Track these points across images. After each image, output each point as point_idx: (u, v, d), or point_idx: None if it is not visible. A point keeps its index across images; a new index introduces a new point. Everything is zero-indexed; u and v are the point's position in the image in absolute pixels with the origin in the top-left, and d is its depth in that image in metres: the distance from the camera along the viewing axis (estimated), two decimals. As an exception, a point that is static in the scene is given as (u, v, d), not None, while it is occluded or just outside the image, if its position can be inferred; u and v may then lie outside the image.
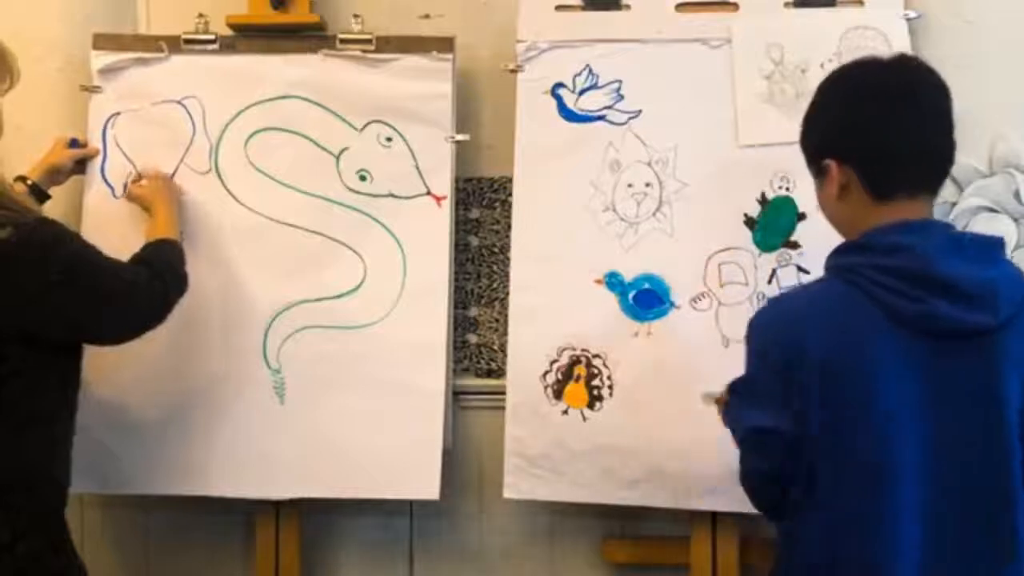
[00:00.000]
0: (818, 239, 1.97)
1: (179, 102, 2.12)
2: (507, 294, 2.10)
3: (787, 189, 2.00)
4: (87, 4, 2.22)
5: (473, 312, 2.22)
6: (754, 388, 1.44)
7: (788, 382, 1.37)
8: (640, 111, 2.06)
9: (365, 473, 2.04)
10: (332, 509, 2.19)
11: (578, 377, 2.03)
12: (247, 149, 2.11)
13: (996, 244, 1.39)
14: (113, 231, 2.07)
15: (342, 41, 2.11)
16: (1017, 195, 2.02)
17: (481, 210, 2.22)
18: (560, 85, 2.08)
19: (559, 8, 2.10)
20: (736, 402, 1.50)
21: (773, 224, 2.01)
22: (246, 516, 2.17)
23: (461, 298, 2.20)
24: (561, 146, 2.07)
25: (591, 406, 2.02)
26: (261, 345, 2.07)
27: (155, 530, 2.26)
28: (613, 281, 2.04)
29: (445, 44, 2.10)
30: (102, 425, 2.01)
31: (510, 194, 2.10)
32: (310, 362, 2.06)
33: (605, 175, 2.06)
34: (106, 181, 2.10)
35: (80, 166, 2.09)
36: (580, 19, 2.09)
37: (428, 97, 2.09)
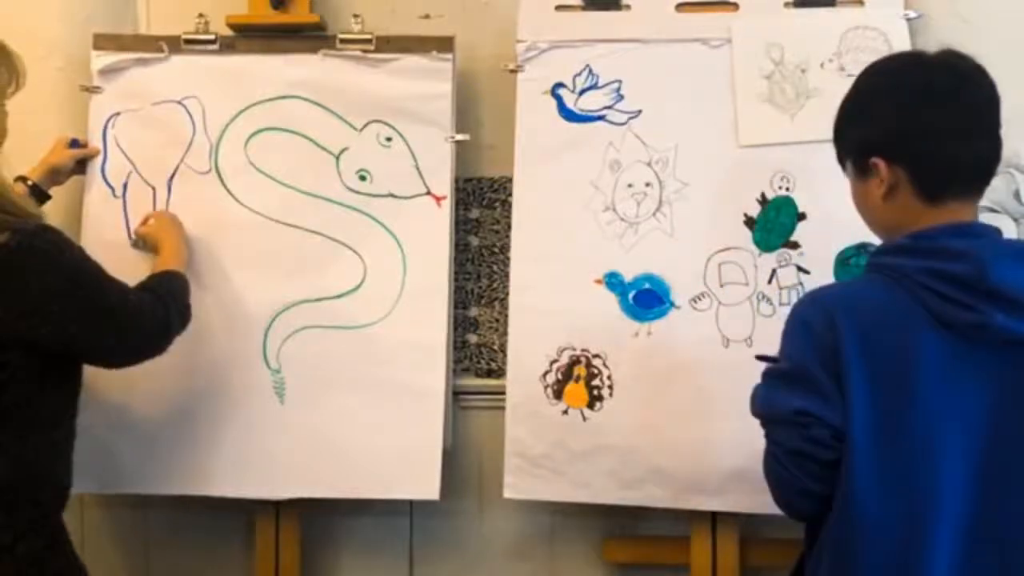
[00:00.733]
0: (818, 239, 1.99)
1: (179, 102, 2.12)
2: (507, 294, 2.10)
3: (787, 189, 2.00)
4: (87, 4, 2.22)
5: (473, 312, 2.22)
6: (793, 374, 1.37)
7: (829, 372, 1.32)
8: (640, 111, 2.06)
9: (365, 473, 2.04)
10: (332, 509, 2.18)
11: (578, 377, 2.03)
12: (247, 149, 2.11)
13: None
14: (113, 231, 2.08)
15: (342, 41, 2.11)
16: (1017, 195, 2.02)
17: (481, 210, 2.22)
18: (560, 85, 2.08)
19: (559, 8, 2.10)
20: (772, 385, 1.41)
21: (773, 224, 2.01)
22: (246, 516, 2.17)
23: (461, 298, 2.20)
24: (561, 146, 2.07)
25: (591, 406, 2.02)
26: (261, 345, 2.07)
27: (155, 530, 2.26)
28: (613, 281, 2.04)
29: (445, 44, 2.10)
30: (102, 425, 2.01)
31: (510, 194, 2.10)
32: (310, 362, 2.06)
33: (605, 175, 2.06)
34: (106, 181, 2.10)
35: (80, 166, 2.10)
36: (580, 19, 2.09)
37: (428, 97, 2.09)
